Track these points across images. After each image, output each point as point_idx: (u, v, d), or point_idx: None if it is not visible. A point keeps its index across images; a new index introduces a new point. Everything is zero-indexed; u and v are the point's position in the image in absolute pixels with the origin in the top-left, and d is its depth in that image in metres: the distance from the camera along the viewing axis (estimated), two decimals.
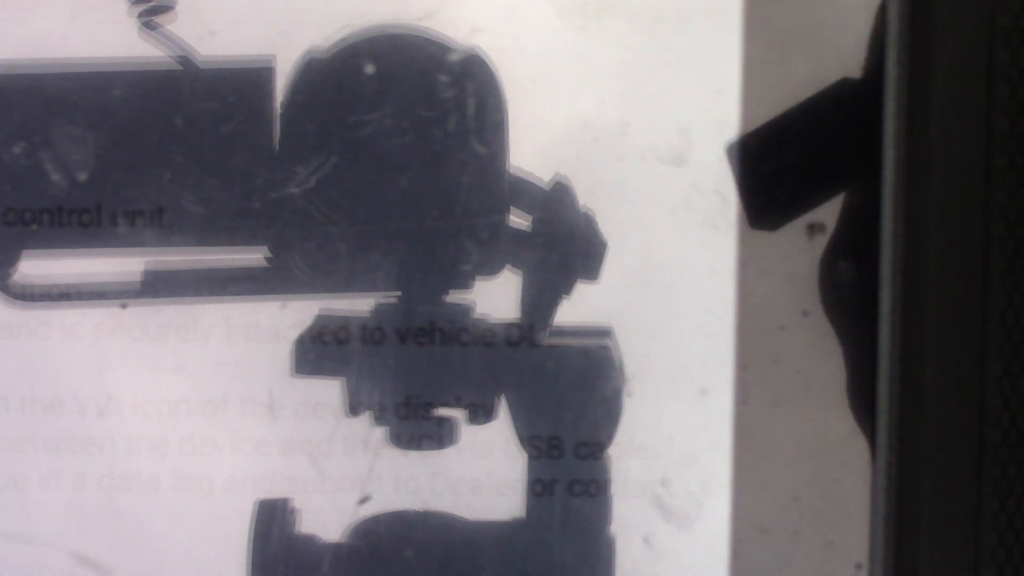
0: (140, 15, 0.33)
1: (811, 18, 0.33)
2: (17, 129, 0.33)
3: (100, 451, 0.34)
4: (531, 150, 0.33)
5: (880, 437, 0.32)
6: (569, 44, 0.33)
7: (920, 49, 0.30)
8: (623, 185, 0.33)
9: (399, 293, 0.33)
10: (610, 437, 0.34)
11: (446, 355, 0.33)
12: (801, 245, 0.33)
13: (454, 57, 0.33)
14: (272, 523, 0.34)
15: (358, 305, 0.33)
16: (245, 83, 0.33)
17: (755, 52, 0.33)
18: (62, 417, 0.34)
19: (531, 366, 0.33)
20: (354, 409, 0.34)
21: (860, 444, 0.33)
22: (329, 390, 0.34)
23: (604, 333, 0.33)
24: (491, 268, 0.33)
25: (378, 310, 0.33)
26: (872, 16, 0.32)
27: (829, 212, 0.33)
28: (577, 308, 0.33)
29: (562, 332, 0.33)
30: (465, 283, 0.33)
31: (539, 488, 0.34)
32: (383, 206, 0.33)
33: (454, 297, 0.33)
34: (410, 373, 0.33)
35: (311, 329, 0.33)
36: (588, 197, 0.33)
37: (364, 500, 0.34)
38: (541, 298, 0.33)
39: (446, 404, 0.34)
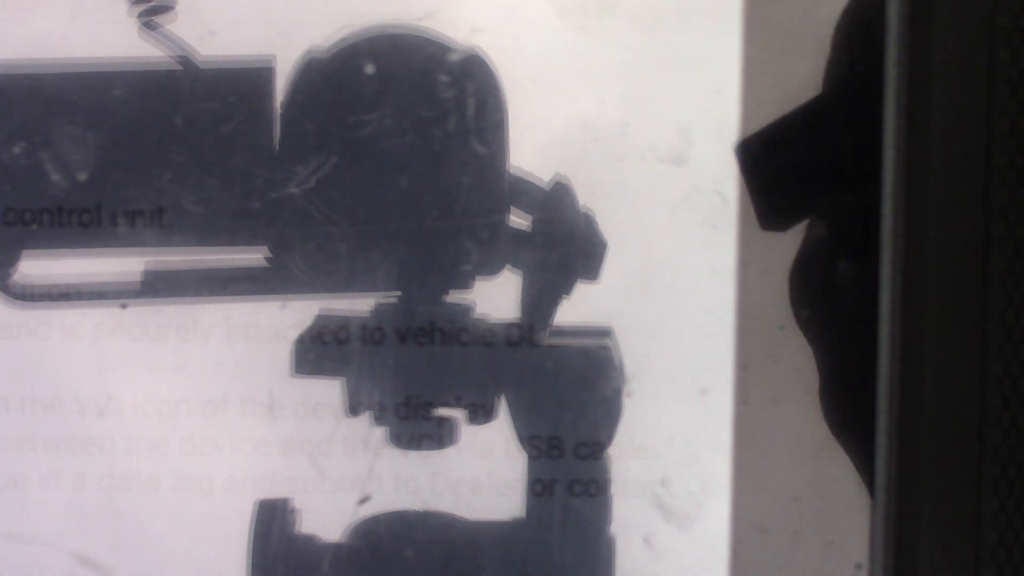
0: (140, 15, 0.33)
1: (811, 18, 0.33)
2: (17, 129, 0.33)
3: (100, 451, 0.34)
4: (531, 150, 0.33)
5: (880, 437, 0.32)
6: (569, 44, 0.33)
7: (920, 49, 0.30)
8: (623, 185, 0.33)
9: (399, 293, 0.33)
10: (610, 437, 0.34)
11: (446, 355, 0.33)
12: (801, 245, 0.33)
13: (454, 57, 0.33)
14: (272, 523, 0.34)
15: (358, 305, 0.33)
16: (245, 83, 0.33)
17: (755, 52, 0.33)
18: (62, 417, 0.34)
19: (531, 366, 0.33)
20: (354, 409, 0.34)
21: None
22: (329, 390, 0.34)
23: (604, 333, 0.33)
24: (491, 268, 0.33)
25: (378, 310, 0.33)
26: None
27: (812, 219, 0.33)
28: (577, 308, 0.33)
29: (562, 332, 0.33)
30: (465, 283, 0.33)
31: (539, 488, 0.34)
32: (383, 206, 0.33)
33: (454, 297, 0.33)
34: (410, 373, 0.33)
35: (311, 329, 0.33)
36: (588, 197, 0.33)
37: (364, 500, 0.34)
38: (541, 298, 0.33)
39: (446, 404, 0.34)
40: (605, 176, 0.33)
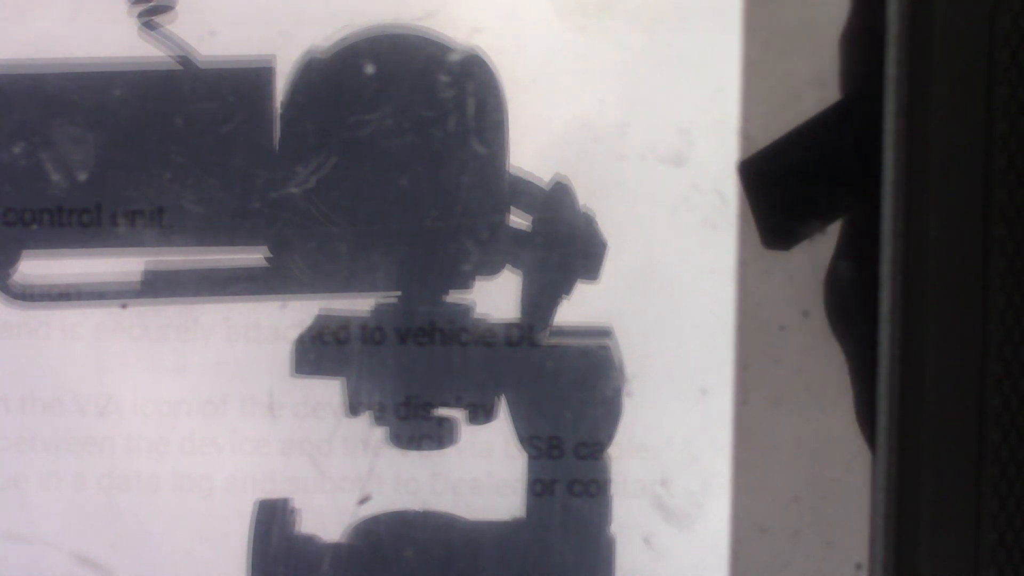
0: (140, 15, 0.33)
1: (811, 18, 0.33)
2: (17, 129, 0.33)
3: (100, 451, 0.34)
4: (531, 150, 0.33)
5: (880, 437, 0.32)
6: (569, 44, 0.33)
7: (920, 49, 0.30)
8: (623, 185, 0.33)
9: (399, 293, 0.33)
10: (610, 437, 0.34)
11: (446, 355, 0.33)
12: (801, 245, 0.33)
13: (454, 57, 0.33)
14: (272, 523, 0.34)
15: (358, 305, 0.33)
16: (245, 83, 0.33)
17: (755, 52, 0.33)
18: (62, 417, 0.34)
19: (531, 366, 0.33)
20: (354, 409, 0.34)
21: (860, 444, 0.33)
22: (329, 390, 0.34)
23: (604, 333, 0.33)
24: (491, 268, 0.33)
25: (378, 310, 0.33)
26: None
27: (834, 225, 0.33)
28: (577, 308, 0.33)
29: (562, 332, 0.33)
30: (465, 283, 0.33)
31: (539, 488, 0.34)
32: (383, 206, 0.33)
33: (454, 297, 0.33)
34: (410, 373, 0.33)
35: (311, 329, 0.33)
36: (588, 197, 0.33)
37: (364, 500, 0.34)
38: (541, 298, 0.33)
39: (446, 404, 0.34)
40: (605, 176, 0.33)
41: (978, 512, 0.30)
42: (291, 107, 0.33)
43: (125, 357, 0.34)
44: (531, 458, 0.34)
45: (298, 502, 0.34)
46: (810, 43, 0.33)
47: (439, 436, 0.34)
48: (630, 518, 0.34)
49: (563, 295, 0.33)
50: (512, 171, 0.33)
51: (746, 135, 0.33)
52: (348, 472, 0.34)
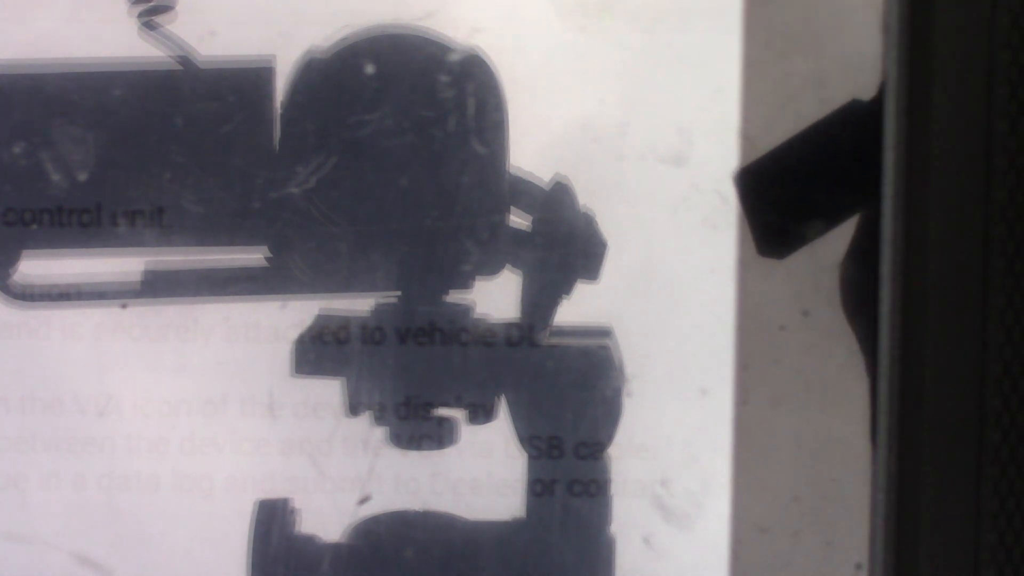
0: (140, 15, 0.33)
1: (811, 18, 0.33)
2: (17, 129, 0.33)
3: (100, 451, 0.34)
4: (531, 150, 0.33)
5: (880, 437, 0.32)
6: (569, 44, 0.33)
7: (920, 49, 0.30)
8: (623, 185, 0.33)
9: (399, 293, 0.33)
10: (610, 437, 0.34)
11: (446, 355, 0.33)
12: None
13: (454, 57, 0.33)
14: (272, 523, 0.34)
15: (358, 305, 0.33)
16: (245, 83, 0.33)
17: (755, 52, 0.33)
18: (62, 417, 0.34)
19: (531, 366, 0.33)
20: (354, 409, 0.34)
21: (860, 444, 0.33)
22: (329, 390, 0.34)
23: (604, 333, 0.33)
24: (491, 268, 0.33)
25: (378, 310, 0.33)
26: (874, 15, 0.32)
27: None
28: (577, 308, 0.33)
29: (562, 332, 0.33)
30: (465, 283, 0.33)
31: (539, 488, 0.34)
32: (383, 206, 0.33)
33: (454, 297, 0.33)
34: (410, 373, 0.33)
35: (311, 329, 0.33)
36: (588, 197, 0.33)
37: (364, 500, 0.34)
38: (541, 298, 0.33)
39: (446, 404, 0.34)
40: (605, 176, 0.33)
41: (978, 512, 0.30)
42: (291, 107, 0.33)
43: (125, 357, 0.34)
44: (531, 458, 0.34)
45: (298, 502, 0.34)
46: (810, 43, 0.33)
47: (439, 436, 0.34)
48: (630, 518, 0.34)
49: (563, 295, 0.33)
50: (512, 171, 0.33)
51: (746, 135, 0.33)
52: (348, 472, 0.34)
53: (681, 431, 0.34)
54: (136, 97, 0.33)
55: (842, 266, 0.33)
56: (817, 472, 0.34)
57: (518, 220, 0.33)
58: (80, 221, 0.33)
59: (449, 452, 0.34)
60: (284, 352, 0.34)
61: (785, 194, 0.33)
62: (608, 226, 0.33)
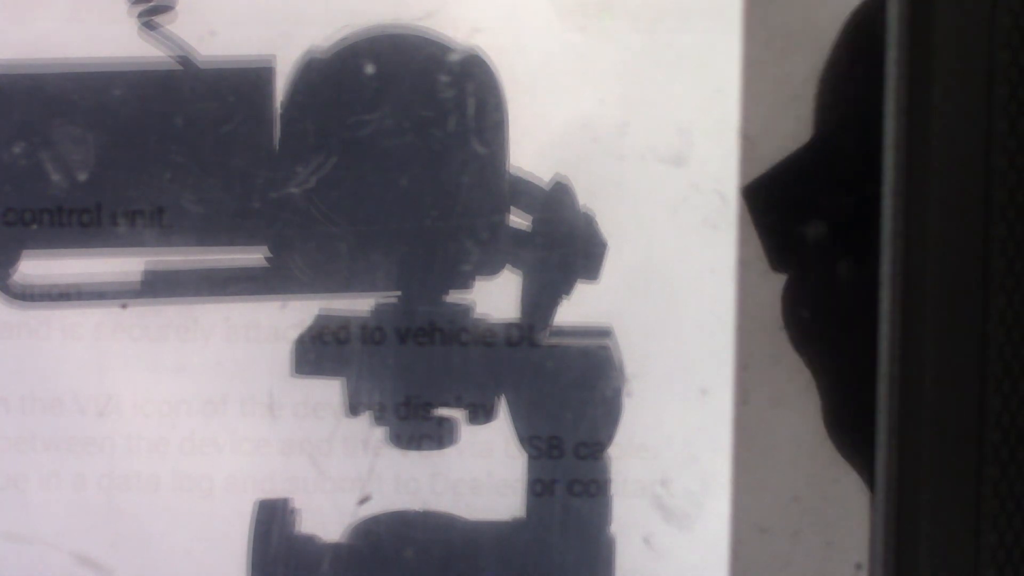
0: (140, 15, 0.33)
1: (811, 18, 0.33)
2: (17, 129, 0.33)
3: (100, 451, 0.34)
4: (531, 150, 0.33)
5: (880, 437, 0.32)
6: (569, 44, 0.33)
7: (920, 49, 0.30)
8: (623, 185, 0.33)
9: (399, 293, 0.33)
10: (610, 437, 0.34)
11: (446, 355, 0.33)
12: None
13: (454, 57, 0.33)
14: (272, 523, 0.34)
15: (358, 305, 0.33)
16: (245, 83, 0.33)
17: (755, 52, 0.33)
18: (62, 417, 0.34)
19: (531, 366, 0.33)
20: (354, 409, 0.34)
21: None
22: (329, 390, 0.34)
23: (604, 333, 0.33)
24: (491, 268, 0.33)
25: (378, 310, 0.33)
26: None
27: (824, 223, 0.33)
28: (577, 308, 0.33)
29: (562, 332, 0.33)
30: (465, 283, 0.33)
31: (539, 488, 0.34)
32: (383, 206, 0.33)
33: (454, 297, 0.33)
34: (410, 373, 0.33)
35: (311, 329, 0.33)
36: (588, 197, 0.33)
37: (364, 500, 0.34)
38: (541, 298, 0.33)
39: (446, 404, 0.34)
40: (605, 176, 0.33)
41: (978, 512, 0.30)
42: (291, 107, 0.33)
43: (125, 357, 0.34)
44: (531, 458, 0.34)
45: (298, 502, 0.34)
46: (810, 43, 0.33)
47: (439, 436, 0.34)
48: (630, 518, 0.34)
49: (563, 295, 0.33)
50: (512, 171, 0.33)
51: (746, 135, 0.33)
52: (348, 472, 0.34)
53: (681, 431, 0.34)
54: (136, 97, 0.33)
55: (783, 300, 0.33)
56: (817, 472, 0.34)
57: (518, 220, 0.33)
58: (80, 221, 0.33)
59: (449, 452, 0.34)
60: (284, 352, 0.34)
61: (795, 207, 0.33)
62: (608, 226, 0.33)
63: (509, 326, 0.33)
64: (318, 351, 0.33)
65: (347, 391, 0.34)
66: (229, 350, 0.33)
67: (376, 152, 0.33)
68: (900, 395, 0.31)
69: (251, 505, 0.34)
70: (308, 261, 0.33)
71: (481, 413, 0.34)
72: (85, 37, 0.33)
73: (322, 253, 0.33)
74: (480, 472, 0.34)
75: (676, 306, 0.33)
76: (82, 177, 0.33)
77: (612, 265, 0.33)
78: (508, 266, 0.33)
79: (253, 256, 0.33)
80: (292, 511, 0.34)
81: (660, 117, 0.33)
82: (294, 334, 0.33)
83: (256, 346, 0.33)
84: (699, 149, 0.33)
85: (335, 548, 0.34)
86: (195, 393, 0.34)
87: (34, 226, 0.33)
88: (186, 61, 0.33)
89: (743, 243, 0.33)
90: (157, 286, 0.33)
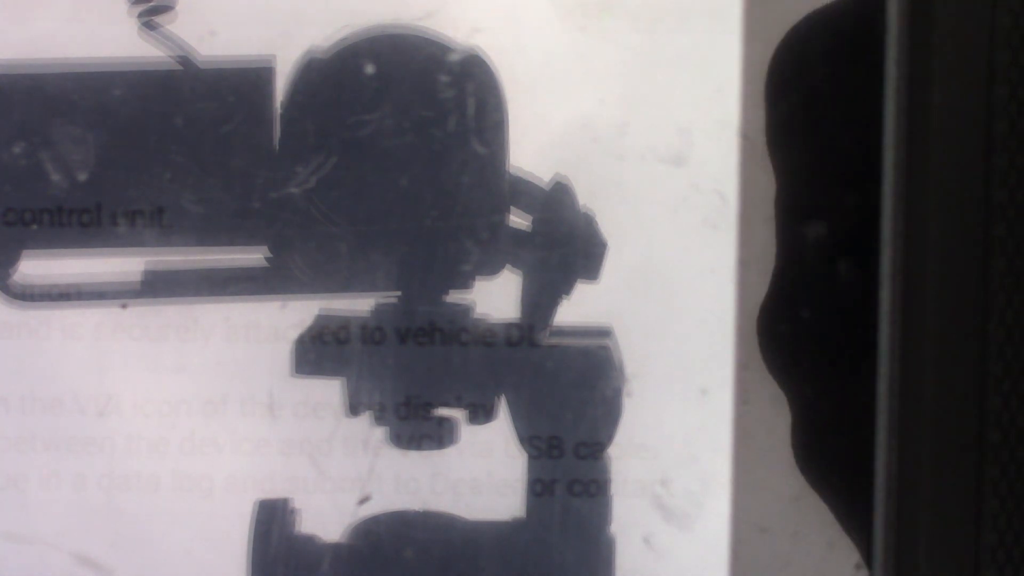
0: (140, 15, 0.33)
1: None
2: (17, 129, 0.33)
3: (100, 451, 0.34)
4: (531, 150, 0.33)
5: (880, 437, 0.32)
6: (569, 44, 0.33)
7: (920, 49, 0.30)
8: (623, 185, 0.33)
9: (399, 293, 0.33)
10: (610, 437, 0.34)
11: (446, 355, 0.33)
12: None
13: (454, 57, 0.33)
14: (272, 523, 0.34)
15: (358, 305, 0.33)
16: (245, 83, 0.33)
17: (755, 52, 0.33)
18: (62, 417, 0.34)
19: (531, 366, 0.33)
20: (354, 409, 0.34)
21: None
22: (329, 390, 0.34)
23: (604, 333, 0.33)
24: (491, 268, 0.33)
25: (378, 310, 0.33)
26: None
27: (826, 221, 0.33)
28: (577, 308, 0.33)
29: (562, 332, 0.33)
30: (465, 283, 0.33)
31: (539, 488, 0.34)
32: (383, 206, 0.33)
33: (454, 297, 0.33)
34: (410, 373, 0.33)
35: (311, 329, 0.33)
36: (588, 197, 0.33)
37: (364, 500, 0.34)
38: (541, 298, 0.33)
39: (446, 404, 0.34)
40: (605, 176, 0.33)
41: (978, 512, 0.30)
42: (291, 107, 0.33)
43: (125, 357, 0.34)
44: (531, 458, 0.34)
45: (298, 502, 0.34)
46: None
47: (439, 436, 0.34)
48: (630, 518, 0.34)
49: (563, 295, 0.33)
50: (512, 171, 0.33)
51: (746, 135, 0.33)
52: (348, 472, 0.34)
53: (681, 431, 0.34)
54: (136, 97, 0.33)
55: (759, 316, 0.33)
56: None
57: (518, 220, 0.33)
58: (80, 221, 0.33)
59: (449, 452, 0.34)
60: (284, 352, 0.34)
61: (798, 330, 0.33)
62: (608, 226, 0.33)
63: (509, 326, 0.33)
64: (318, 351, 0.33)
65: (347, 391, 0.34)
66: (229, 350, 0.33)
67: (376, 152, 0.33)
68: (900, 395, 0.31)
69: (251, 505, 0.34)
70: (308, 261, 0.33)
71: (481, 413, 0.34)
72: (85, 37, 0.33)
73: (322, 253, 0.33)
74: (480, 472, 0.34)
75: (676, 306, 0.33)
76: (82, 177, 0.33)
77: (612, 265, 0.33)
78: (508, 266, 0.33)
79: (253, 256, 0.33)
80: (292, 511, 0.34)
81: (660, 117, 0.33)
82: (294, 334, 0.33)
83: (256, 346, 0.33)
84: (699, 149, 0.33)
85: (335, 548, 0.34)
86: (195, 393, 0.34)
87: (34, 226, 0.33)
88: (186, 61, 0.33)
89: (743, 243, 0.33)
90: (157, 286, 0.33)
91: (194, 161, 0.33)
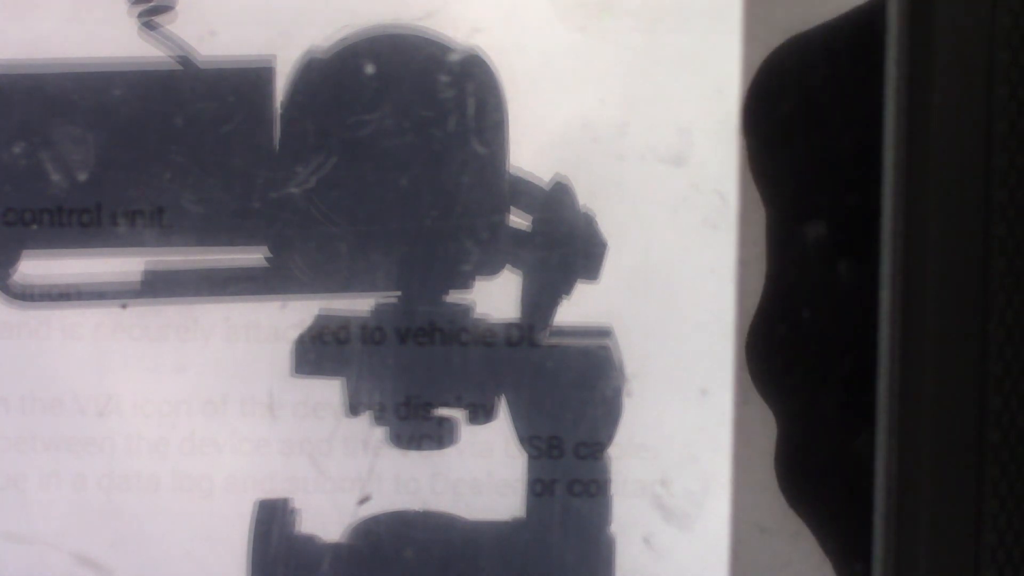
0: (140, 15, 0.33)
1: (811, 18, 0.33)
2: (17, 129, 0.33)
3: (100, 451, 0.34)
4: (531, 150, 0.33)
5: (880, 437, 0.32)
6: (569, 44, 0.33)
7: (920, 49, 0.30)
8: (623, 185, 0.33)
9: (399, 293, 0.33)
10: (610, 437, 0.34)
11: (446, 355, 0.33)
12: None
13: (454, 57, 0.33)
14: (272, 523, 0.34)
15: (358, 305, 0.33)
16: (245, 83, 0.33)
17: (755, 52, 0.33)
18: (62, 417, 0.34)
19: (531, 366, 0.33)
20: (354, 409, 0.34)
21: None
22: (329, 390, 0.34)
23: (604, 333, 0.33)
24: (491, 268, 0.33)
25: (378, 310, 0.33)
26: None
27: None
28: (577, 308, 0.33)
29: (562, 332, 0.33)
30: (465, 283, 0.33)
31: (539, 488, 0.34)
32: (383, 206, 0.33)
33: (454, 297, 0.33)
34: (410, 373, 0.33)
35: (311, 329, 0.33)
36: (588, 197, 0.33)
37: (364, 500, 0.34)
38: (541, 298, 0.33)
39: (446, 404, 0.34)
40: (605, 176, 0.33)
41: (978, 512, 0.30)
42: (291, 107, 0.33)
43: (125, 357, 0.34)
44: (531, 458, 0.34)
45: (298, 502, 0.34)
46: None
47: (439, 436, 0.34)
48: (630, 518, 0.34)
49: (563, 295, 0.33)
50: (512, 171, 0.33)
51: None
52: (348, 472, 0.34)
53: (681, 431, 0.34)
54: (136, 97, 0.33)
55: (748, 334, 0.33)
56: None
57: (518, 220, 0.33)
58: (80, 221, 0.33)
59: (449, 452, 0.34)
60: (284, 352, 0.34)
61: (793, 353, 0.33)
62: (608, 226, 0.33)
63: (509, 326, 0.33)
64: (318, 351, 0.33)
65: (347, 391, 0.34)
66: (229, 350, 0.33)
67: (376, 152, 0.33)
68: (900, 395, 0.31)
69: (251, 505, 0.34)
70: (308, 261, 0.33)
71: (481, 413, 0.34)
72: (85, 37, 0.33)
73: (322, 253, 0.33)
74: (480, 472, 0.34)
75: (676, 306, 0.33)
76: (82, 177, 0.33)
77: (612, 265, 0.33)
78: (508, 266, 0.33)
79: (253, 256, 0.33)
80: (292, 511, 0.34)
81: (660, 117, 0.33)
82: (294, 334, 0.33)
83: (256, 346, 0.33)
84: (699, 149, 0.33)
85: (335, 548, 0.34)
86: (195, 393, 0.34)
87: (34, 226, 0.33)
88: (186, 61, 0.33)
89: (743, 243, 0.33)
90: (157, 286, 0.33)
91: (194, 161, 0.33)
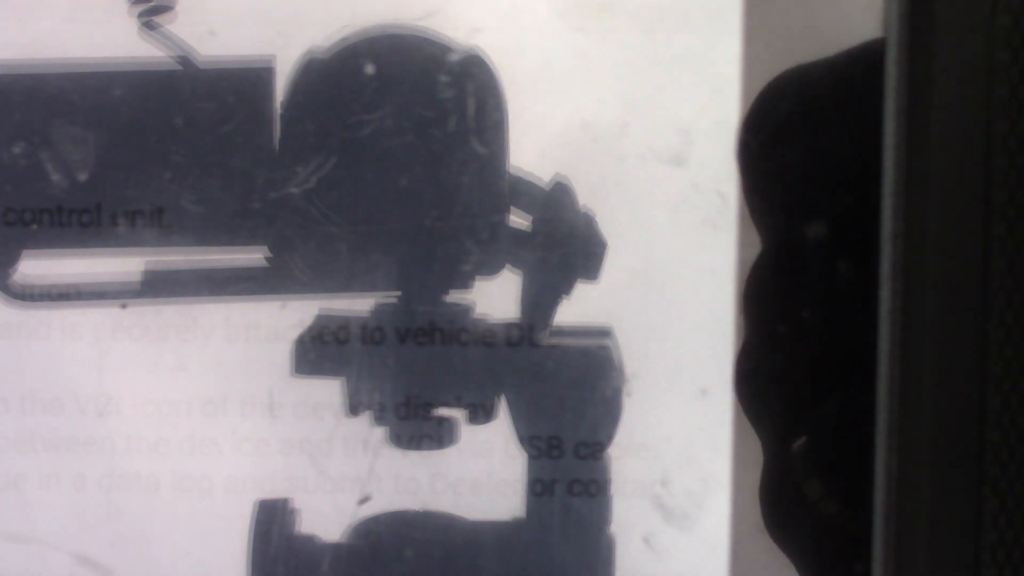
0: (140, 15, 0.33)
1: (811, 18, 0.33)
2: (17, 129, 0.33)
3: (100, 451, 0.34)
4: (531, 150, 0.33)
5: (880, 437, 0.32)
6: (569, 44, 0.33)
7: (920, 49, 0.30)
8: (623, 185, 0.33)
9: (399, 293, 0.33)
10: (610, 437, 0.34)
11: (446, 355, 0.33)
12: None
13: (454, 57, 0.33)
14: (272, 523, 0.34)
15: (358, 305, 0.33)
16: (245, 83, 0.33)
17: (755, 52, 0.33)
18: (62, 417, 0.34)
19: (531, 366, 0.33)
20: (354, 409, 0.34)
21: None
22: (329, 390, 0.34)
23: (604, 333, 0.33)
24: (491, 268, 0.33)
25: (378, 310, 0.33)
26: (874, 15, 0.32)
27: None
28: (577, 308, 0.33)
29: (562, 332, 0.33)
30: (465, 283, 0.33)
31: (539, 488, 0.34)
32: (383, 206, 0.33)
33: (454, 297, 0.33)
34: (410, 373, 0.33)
35: (311, 329, 0.33)
36: (588, 197, 0.33)
37: (364, 500, 0.34)
38: (541, 298, 0.33)
39: (446, 404, 0.34)
40: (605, 176, 0.33)
41: (978, 512, 0.30)
42: (291, 107, 0.33)
43: (125, 357, 0.34)
44: (531, 458, 0.34)
45: (298, 502, 0.34)
46: (810, 43, 0.33)
47: (439, 436, 0.34)
48: (630, 518, 0.34)
49: (563, 295, 0.33)
50: (512, 171, 0.33)
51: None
52: (348, 472, 0.34)
53: (681, 431, 0.34)
54: (136, 97, 0.33)
55: (737, 354, 0.33)
56: None
57: (518, 220, 0.33)
58: (80, 221, 0.33)
59: (449, 452, 0.34)
60: (284, 352, 0.34)
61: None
62: (608, 226, 0.33)
63: (509, 326, 0.33)
64: (318, 351, 0.33)
65: (347, 391, 0.34)
66: (229, 350, 0.33)
67: (376, 152, 0.33)
68: (900, 395, 0.31)
69: (251, 505, 0.34)
70: (308, 261, 0.33)
71: (481, 413, 0.34)
72: (85, 37, 0.33)
73: (322, 253, 0.33)
74: (480, 472, 0.34)
75: (676, 306, 0.33)
76: (82, 177, 0.33)
77: (612, 265, 0.33)
78: (508, 266, 0.33)
79: (253, 256, 0.33)
80: (292, 511, 0.34)
81: (660, 117, 0.33)
82: (294, 334, 0.33)
83: (256, 346, 0.33)
84: (699, 149, 0.33)
85: (335, 548, 0.34)
86: (195, 393, 0.34)
87: (34, 226, 0.33)
88: (186, 61, 0.33)
89: (743, 243, 0.33)
90: (157, 286, 0.33)
91: (194, 161, 0.33)
